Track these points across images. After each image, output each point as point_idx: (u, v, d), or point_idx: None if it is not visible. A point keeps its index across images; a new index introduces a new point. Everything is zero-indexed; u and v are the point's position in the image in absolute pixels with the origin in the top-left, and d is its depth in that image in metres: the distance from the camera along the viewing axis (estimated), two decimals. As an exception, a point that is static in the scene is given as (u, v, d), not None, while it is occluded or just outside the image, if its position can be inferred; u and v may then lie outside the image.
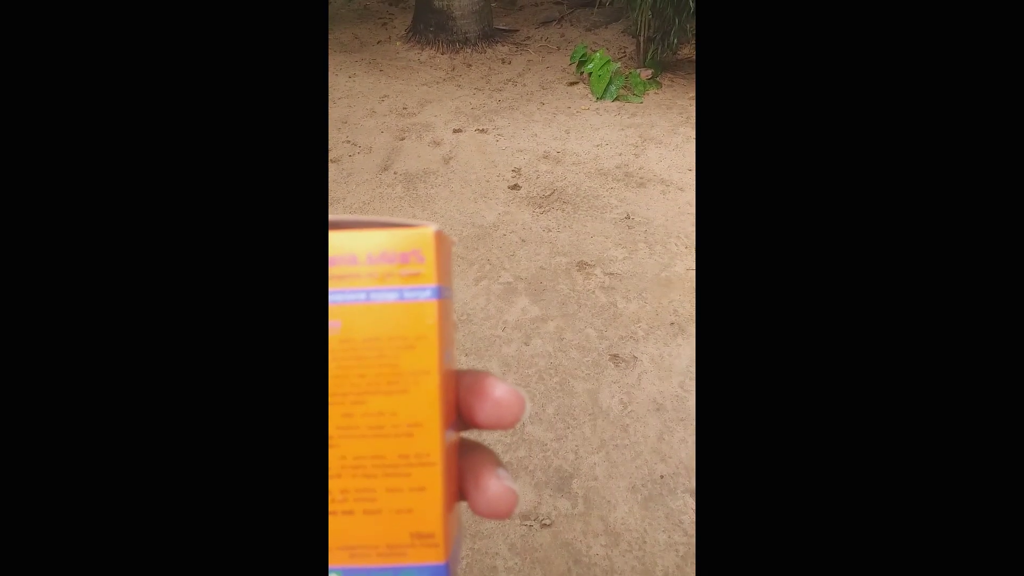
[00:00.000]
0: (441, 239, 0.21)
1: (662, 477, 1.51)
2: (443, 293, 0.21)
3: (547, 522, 1.42)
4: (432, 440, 0.21)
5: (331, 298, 0.21)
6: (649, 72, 3.81)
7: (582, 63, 3.84)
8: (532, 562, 1.34)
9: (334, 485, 0.21)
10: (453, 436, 0.23)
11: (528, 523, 1.42)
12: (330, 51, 4.43)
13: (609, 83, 3.63)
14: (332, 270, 0.21)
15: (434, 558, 0.21)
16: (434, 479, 0.21)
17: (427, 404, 0.21)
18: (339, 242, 0.21)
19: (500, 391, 0.23)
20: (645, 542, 1.38)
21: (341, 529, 0.21)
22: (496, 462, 0.23)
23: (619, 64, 3.79)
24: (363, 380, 0.21)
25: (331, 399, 0.21)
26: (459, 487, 0.23)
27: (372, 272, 0.21)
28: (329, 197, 2.69)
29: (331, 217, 0.22)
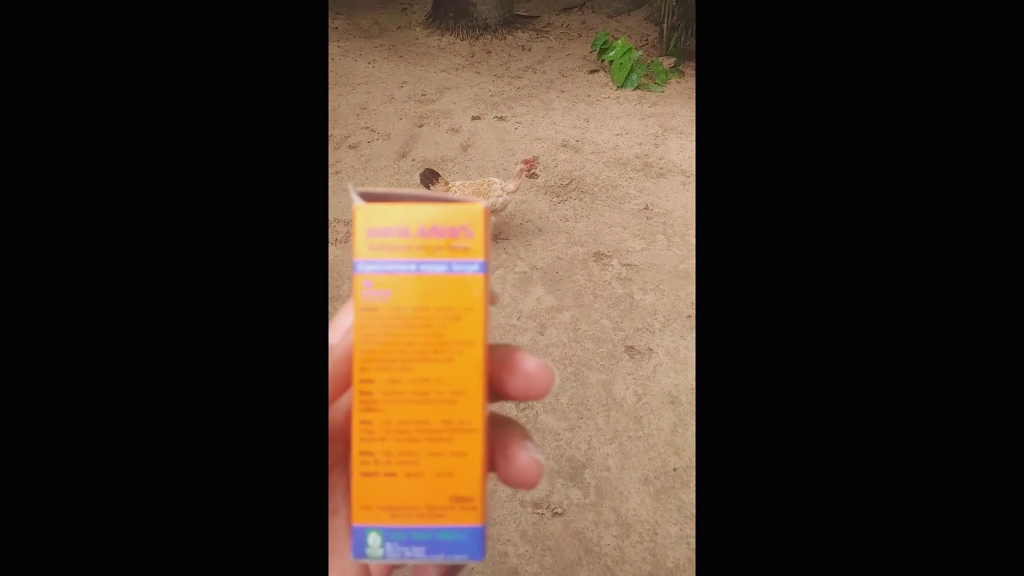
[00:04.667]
0: (487, 216, 0.22)
1: (675, 470, 1.51)
2: (487, 268, 0.22)
3: (559, 511, 1.42)
4: (475, 408, 0.22)
5: (383, 267, 0.22)
6: (671, 61, 3.75)
7: (603, 51, 3.79)
8: (543, 550, 1.35)
9: (378, 448, 0.22)
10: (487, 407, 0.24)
11: (540, 511, 1.42)
12: (350, 37, 4.43)
13: (630, 71, 3.58)
14: (384, 241, 0.22)
15: (472, 520, 0.22)
16: (475, 445, 0.22)
17: (471, 373, 0.22)
18: (391, 215, 0.22)
19: (530, 364, 0.23)
20: (656, 534, 1.38)
21: (383, 490, 0.22)
22: (525, 435, 0.24)
23: (641, 52, 3.73)
24: (411, 348, 0.22)
25: (379, 364, 0.22)
26: (490, 458, 0.24)
27: (423, 244, 0.22)
28: (347, 182, 2.70)
29: (383, 190, 0.23)
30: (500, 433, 0.24)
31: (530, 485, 0.23)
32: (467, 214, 0.22)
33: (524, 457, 0.23)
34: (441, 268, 0.22)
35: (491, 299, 0.25)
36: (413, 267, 0.22)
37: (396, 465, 0.22)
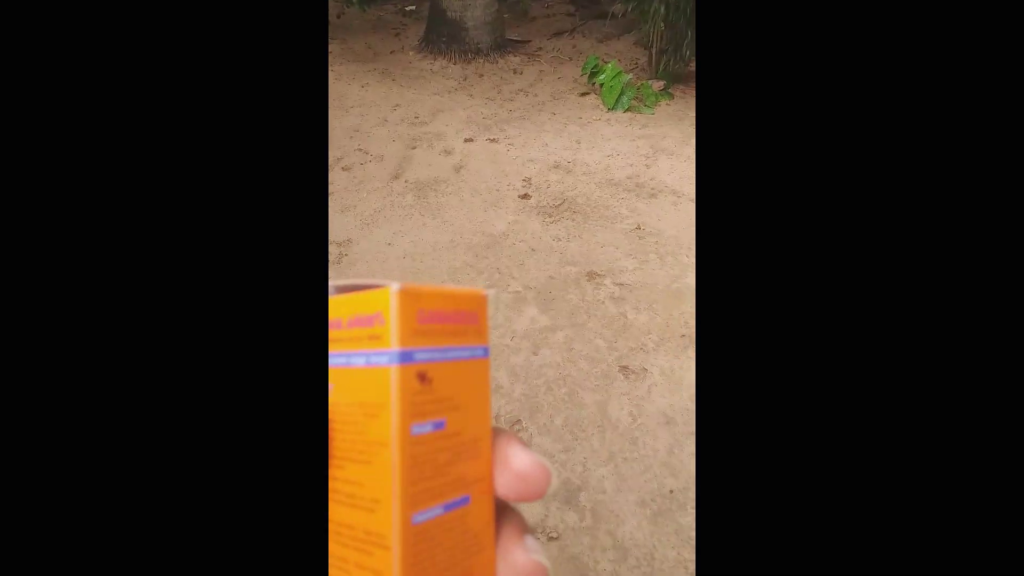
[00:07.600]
0: (407, 297, 0.19)
1: (672, 492, 1.49)
2: (410, 357, 0.19)
3: (554, 535, 1.40)
4: (386, 521, 0.18)
5: (330, 361, 0.20)
6: (661, 84, 3.81)
7: (594, 74, 3.86)
8: (538, 576, 1.32)
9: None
10: (459, 509, 0.20)
11: (535, 536, 1.40)
12: (343, 61, 4.48)
13: (621, 94, 3.63)
14: (330, 334, 0.21)
15: None
16: (387, 564, 0.18)
17: (384, 480, 0.18)
18: (333, 307, 0.21)
19: (520, 462, 0.20)
20: (654, 558, 1.35)
21: None
22: (524, 528, 0.21)
23: (631, 75, 3.80)
24: (343, 445, 0.20)
25: (330, 460, 0.20)
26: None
27: (350, 336, 0.20)
28: (341, 205, 2.70)
29: (350, 282, 0.21)
30: (498, 527, 0.21)
31: None
32: (378, 300, 0.19)
33: (523, 559, 0.20)
34: (361, 360, 0.19)
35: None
36: (344, 360, 0.20)
37: (334, 569, 0.20)
